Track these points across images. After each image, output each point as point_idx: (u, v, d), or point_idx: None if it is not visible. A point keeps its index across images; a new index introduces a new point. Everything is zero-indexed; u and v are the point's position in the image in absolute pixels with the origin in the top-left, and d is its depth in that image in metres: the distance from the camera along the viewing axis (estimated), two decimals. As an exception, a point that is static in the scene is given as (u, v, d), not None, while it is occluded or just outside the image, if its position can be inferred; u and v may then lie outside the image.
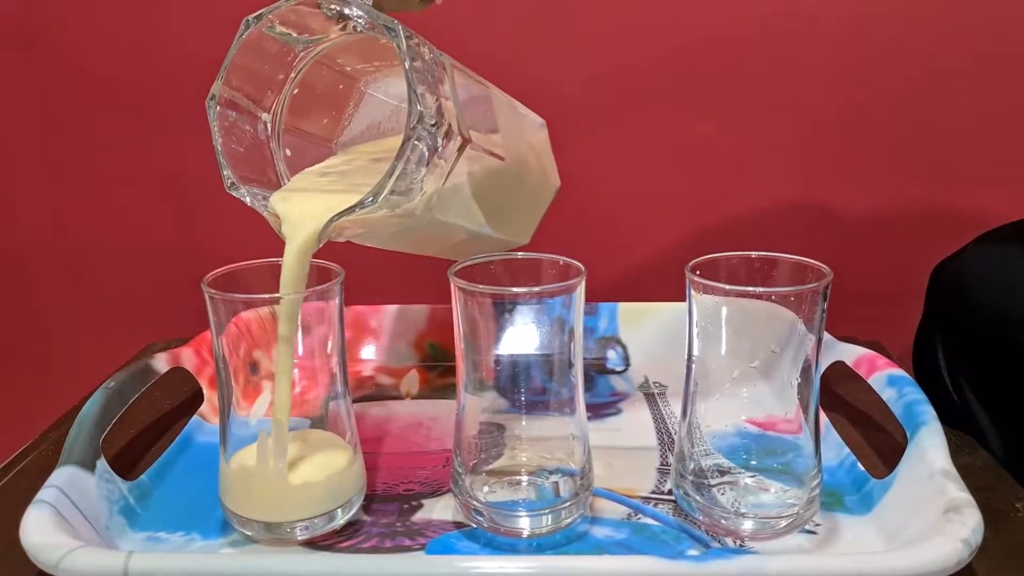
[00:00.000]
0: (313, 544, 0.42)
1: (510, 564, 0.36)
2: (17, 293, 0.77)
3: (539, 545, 0.42)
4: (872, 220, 0.71)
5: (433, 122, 0.37)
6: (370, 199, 0.38)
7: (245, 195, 0.42)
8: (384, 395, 0.59)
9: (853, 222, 0.71)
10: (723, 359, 0.42)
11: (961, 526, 0.36)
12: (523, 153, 0.49)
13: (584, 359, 0.44)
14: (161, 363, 0.52)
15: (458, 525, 0.43)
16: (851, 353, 0.52)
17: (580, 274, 0.41)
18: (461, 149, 0.39)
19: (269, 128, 0.45)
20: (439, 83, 0.39)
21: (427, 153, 0.37)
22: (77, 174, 0.74)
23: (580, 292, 0.41)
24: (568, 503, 0.42)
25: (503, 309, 0.41)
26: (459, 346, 0.43)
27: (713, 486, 0.42)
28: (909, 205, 0.70)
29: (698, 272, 0.41)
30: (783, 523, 0.41)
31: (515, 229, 0.51)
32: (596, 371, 0.62)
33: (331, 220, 0.39)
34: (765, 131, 0.69)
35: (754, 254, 0.43)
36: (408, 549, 0.41)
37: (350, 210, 0.38)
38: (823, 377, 0.43)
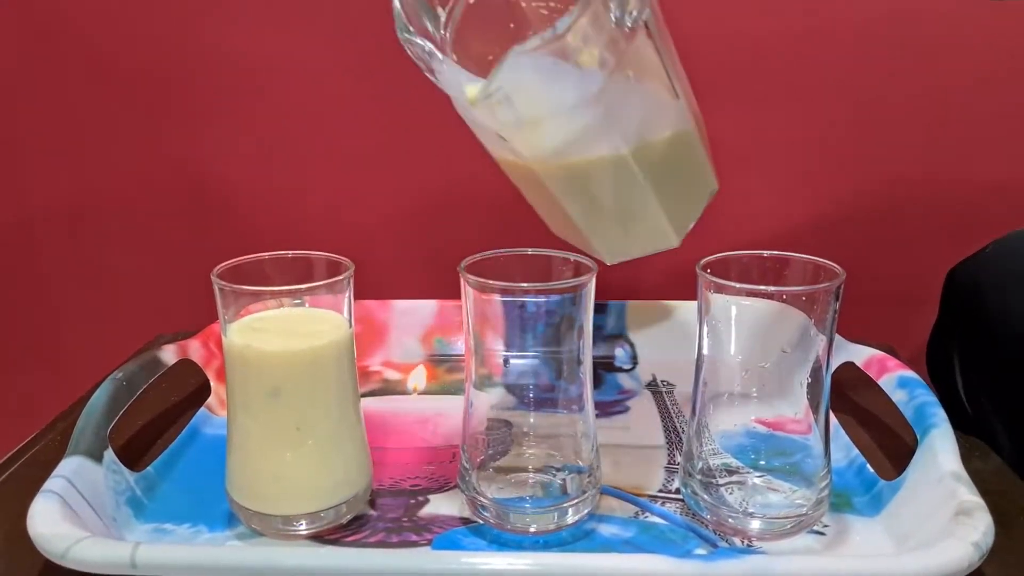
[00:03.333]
0: (319, 538, 0.42)
1: (517, 561, 0.35)
2: (26, 283, 0.77)
3: (545, 542, 0.41)
4: (887, 221, 0.70)
5: None
6: (561, 28, 0.34)
7: (417, 42, 0.39)
8: (391, 390, 0.59)
9: (867, 223, 0.70)
10: (733, 358, 0.42)
11: (972, 529, 0.36)
12: (695, 113, 0.45)
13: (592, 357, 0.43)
14: (169, 355, 0.52)
15: (464, 521, 0.43)
16: (861, 354, 0.52)
17: (590, 271, 0.41)
18: (645, 30, 0.37)
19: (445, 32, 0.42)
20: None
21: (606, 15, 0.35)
22: (87, 165, 0.74)
23: (590, 289, 0.41)
24: (575, 500, 0.42)
25: (513, 305, 0.41)
26: (468, 342, 0.43)
27: (721, 485, 0.42)
28: (925, 206, 0.70)
29: (709, 270, 0.41)
30: (791, 523, 0.41)
31: (670, 208, 0.45)
32: (603, 369, 0.61)
33: (513, 55, 0.36)
34: (779, 130, 0.69)
35: (766, 253, 0.43)
36: (414, 544, 0.41)
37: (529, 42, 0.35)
38: (833, 378, 0.42)
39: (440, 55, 0.40)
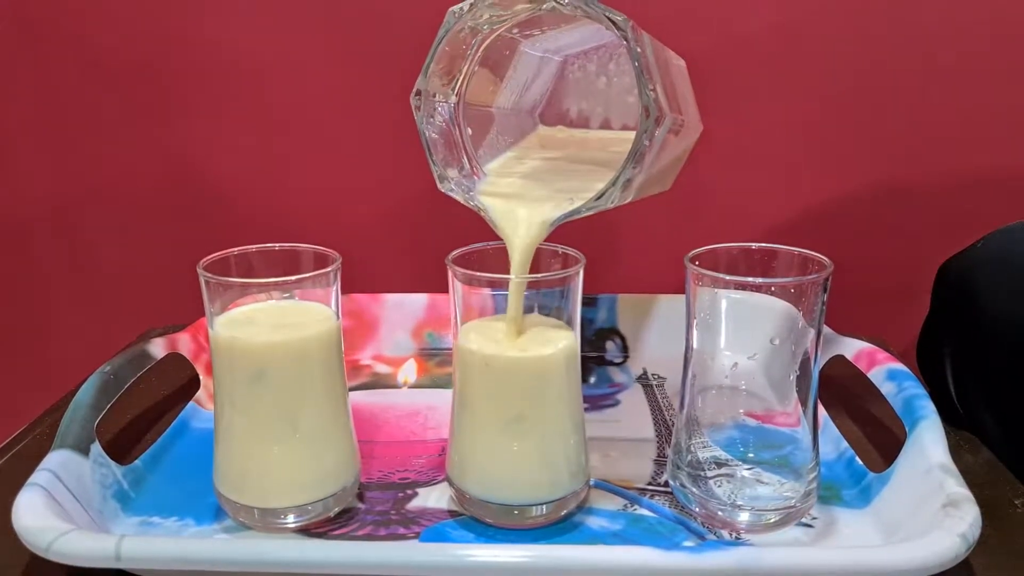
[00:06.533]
0: (307, 531, 0.42)
1: (504, 553, 0.35)
2: (15, 277, 0.77)
3: (534, 535, 0.41)
4: (878, 215, 0.70)
5: (656, 115, 0.37)
6: (605, 199, 0.39)
7: (455, 191, 0.42)
8: (382, 384, 0.59)
9: (858, 217, 0.70)
10: (722, 351, 0.41)
11: (959, 521, 0.35)
12: (691, 110, 0.47)
13: (583, 351, 0.43)
14: (158, 348, 0.52)
15: (453, 514, 0.43)
16: (851, 347, 0.52)
17: (578, 263, 0.41)
18: (666, 131, 0.39)
19: (455, 110, 0.43)
20: (651, 68, 0.38)
21: (646, 146, 0.37)
22: (77, 158, 0.73)
23: (578, 282, 0.41)
24: (564, 493, 0.42)
25: (500, 298, 0.41)
26: (455, 334, 0.42)
27: (710, 478, 0.42)
28: (916, 200, 0.69)
29: (697, 262, 0.41)
30: (779, 516, 0.41)
31: (671, 181, 0.50)
32: (595, 363, 0.61)
33: (555, 221, 0.41)
34: (769, 123, 0.69)
35: (754, 245, 0.42)
36: (402, 537, 0.41)
37: (576, 211, 0.40)
38: (823, 371, 0.42)
39: (465, 189, 0.43)
